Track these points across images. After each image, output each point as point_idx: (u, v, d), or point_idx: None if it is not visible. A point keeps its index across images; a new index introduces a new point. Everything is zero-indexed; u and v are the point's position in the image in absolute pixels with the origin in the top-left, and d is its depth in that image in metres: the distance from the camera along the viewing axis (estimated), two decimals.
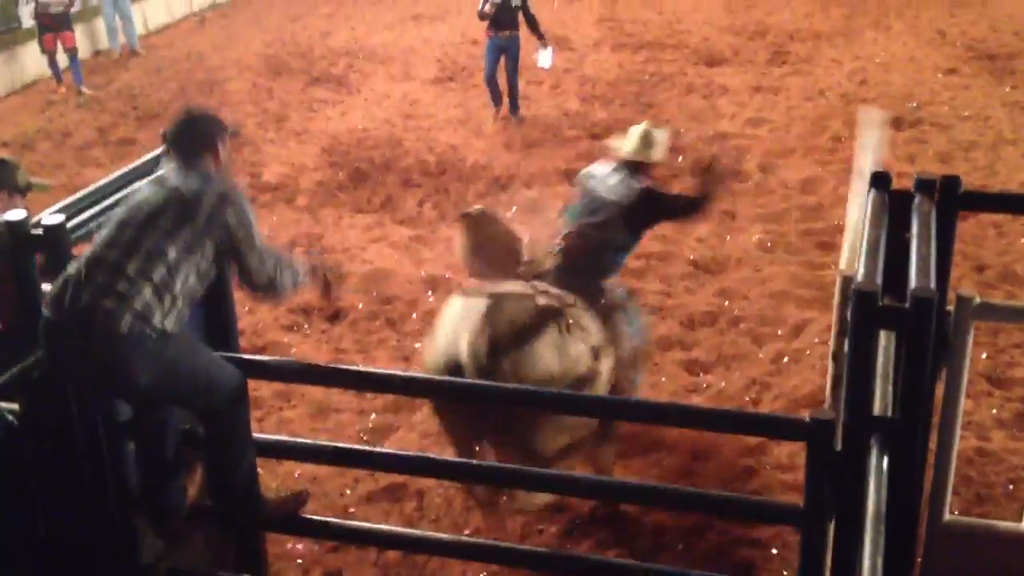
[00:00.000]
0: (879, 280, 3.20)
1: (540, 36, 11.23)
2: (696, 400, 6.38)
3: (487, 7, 11.00)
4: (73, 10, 13.35)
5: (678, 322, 7.35)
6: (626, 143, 5.69)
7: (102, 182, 4.34)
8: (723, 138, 10.66)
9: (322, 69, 13.56)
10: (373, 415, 6.32)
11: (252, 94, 12.69)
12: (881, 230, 3.51)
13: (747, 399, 6.46)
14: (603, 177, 5.66)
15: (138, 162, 4.49)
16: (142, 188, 3.89)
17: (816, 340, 7.05)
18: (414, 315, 7.51)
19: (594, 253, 5.53)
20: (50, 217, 3.88)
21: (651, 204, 5.54)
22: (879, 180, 3.86)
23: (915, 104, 11.40)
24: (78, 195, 4.21)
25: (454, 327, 4.89)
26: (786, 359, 6.87)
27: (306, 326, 7.42)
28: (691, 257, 8.25)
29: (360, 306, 7.59)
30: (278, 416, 6.24)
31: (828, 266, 7.98)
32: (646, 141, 5.66)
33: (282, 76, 13.31)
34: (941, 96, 11.68)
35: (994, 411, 6.08)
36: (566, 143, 10.77)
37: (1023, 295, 7.29)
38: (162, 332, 3.59)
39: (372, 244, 8.61)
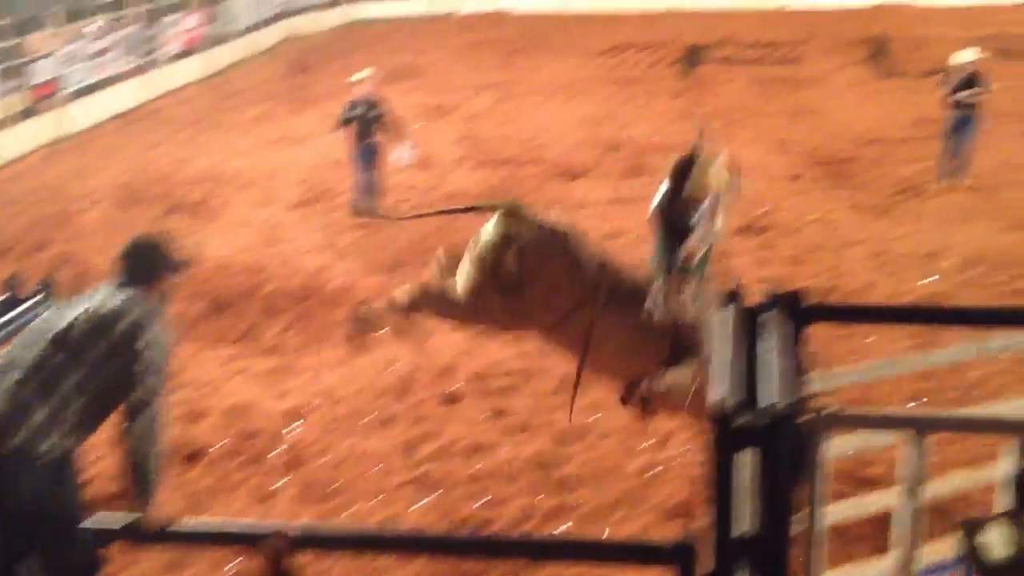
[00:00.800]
0: (736, 399, 3.24)
1: (401, 138, 12.09)
2: (567, 521, 6.32)
3: (346, 116, 12.01)
4: None
5: (548, 439, 7.32)
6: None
7: None
8: None
9: (180, 197, 13.34)
10: (232, 563, 6.03)
11: (106, 225, 12.34)
12: (735, 346, 3.58)
13: (618, 515, 6.44)
14: None
15: None
16: (69, 302, 3.92)
17: (684, 448, 7.10)
18: (277, 450, 7.29)
19: None
20: None
21: None
22: (731, 296, 3.95)
23: (764, 210, 11.84)
24: None
25: None
26: (656, 470, 6.89)
27: None
28: (560, 372, 8.24)
29: (219, 445, 7.32)
30: (127, 573, 5.89)
31: None
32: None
33: (138, 205, 13.02)
34: (787, 202, 12.18)
35: None
36: (431, 262, 10.74)
37: (876, 393, 7.50)
38: (50, 454, 3.54)
39: (233, 377, 8.38)
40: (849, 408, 3.78)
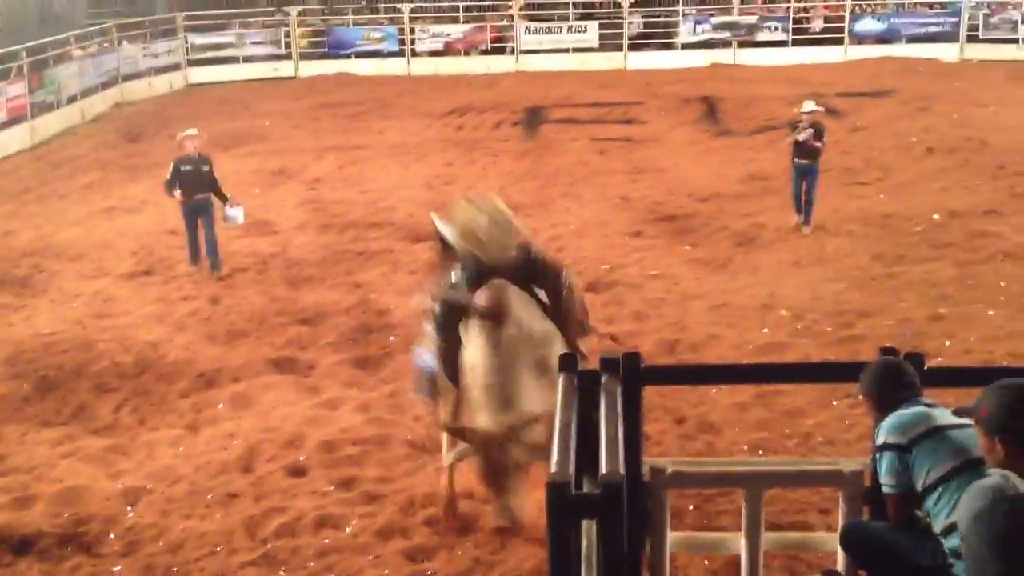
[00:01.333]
0: (571, 468, 3.19)
1: (224, 198, 12.27)
2: None
3: (176, 171, 11.99)
4: None
5: (399, 508, 7.13)
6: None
7: None
8: None
9: (3, 271, 12.65)
10: None
11: None
12: (571, 413, 3.54)
13: None
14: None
15: None
16: None
17: (541, 509, 7.03)
18: (112, 535, 6.88)
19: None
20: None
21: None
22: (567, 362, 3.92)
23: (608, 267, 12.04)
24: None
25: None
26: (510, 533, 6.79)
27: None
28: (408, 438, 8.10)
29: (49, 531, 6.86)
30: None
31: None
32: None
33: None
34: (630, 257, 12.42)
35: (706, 562, 6.21)
36: (274, 330, 10.49)
37: (720, 443, 7.65)
38: None
39: (62, 460, 7.89)
40: (687, 468, 3.81)
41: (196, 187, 11.98)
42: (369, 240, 13.64)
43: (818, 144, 12.87)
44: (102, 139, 21.09)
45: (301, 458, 7.86)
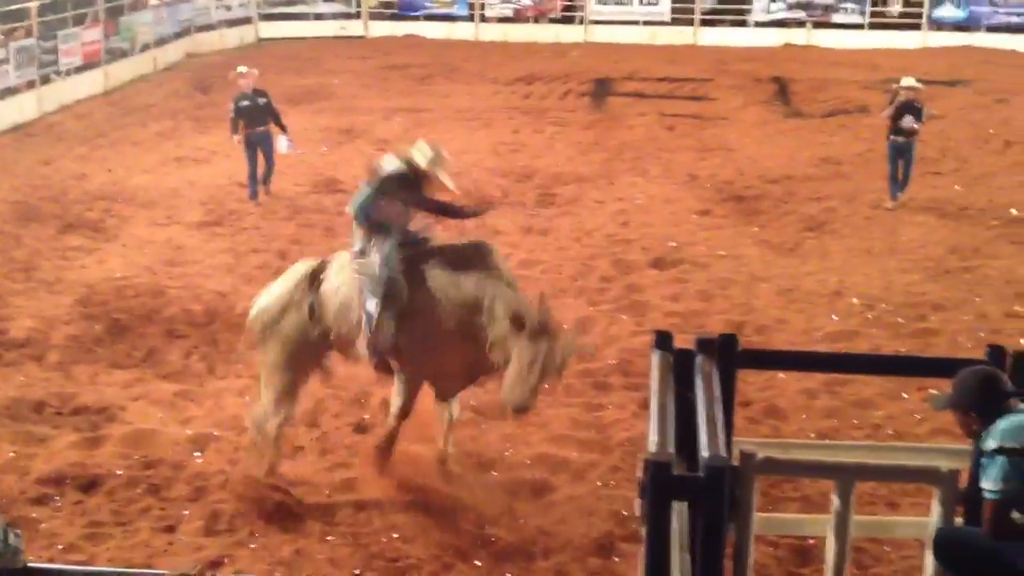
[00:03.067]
0: (671, 447, 3.16)
1: (283, 128, 13.32)
2: (477, 559, 6.18)
3: (236, 108, 13.21)
4: None
5: (466, 471, 7.17)
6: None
7: None
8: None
9: (77, 214, 12.86)
10: None
11: None
12: (668, 392, 3.50)
13: (535, 550, 6.32)
14: None
15: None
16: None
17: (599, 483, 7.04)
18: (181, 479, 6.99)
19: None
20: None
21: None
22: (662, 339, 3.88)
23: (674, 244, 11.93)
24: None
25: None
26: (571, 505, 6.79)
27: (57, 498, 6.74)
28: (472, 403, 8.11)
29: (119, 473, 6.99)
30: None
31: (605, 407, 8.06)
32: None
33: (32, 222, 12.51)
34: (697, 236, 12.29)
35: (771, 549, 6.17)
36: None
37: (786, 429, 7.57)
38: None
39: (132, 402, 8.05)
40: (777, 454, 3.75)
41: (254, 120, 13.09)
42: None
43: (916, 126, 12.82)
44: (174, 88, 21.28)
45: (366, 416, 7.92)
